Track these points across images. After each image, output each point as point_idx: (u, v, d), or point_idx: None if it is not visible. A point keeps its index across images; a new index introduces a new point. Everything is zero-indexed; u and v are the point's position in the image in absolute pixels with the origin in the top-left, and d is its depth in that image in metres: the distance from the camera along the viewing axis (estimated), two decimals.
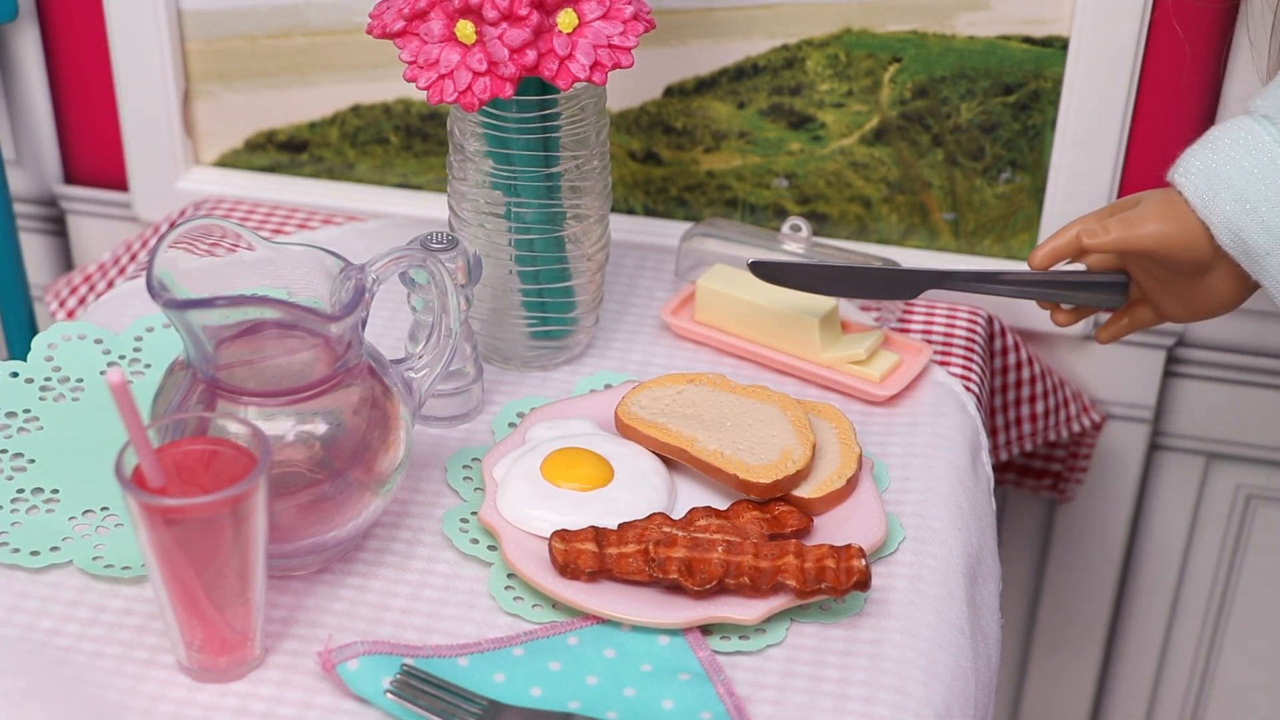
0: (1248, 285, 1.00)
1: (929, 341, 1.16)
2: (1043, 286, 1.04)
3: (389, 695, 0.84)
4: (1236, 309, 1.02)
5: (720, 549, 0.91)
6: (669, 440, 0.99)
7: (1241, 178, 0.95)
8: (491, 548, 0.95)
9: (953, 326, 1.18)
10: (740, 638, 0.90)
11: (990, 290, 1.05)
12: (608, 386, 1.08)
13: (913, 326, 1.18)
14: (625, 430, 1.00)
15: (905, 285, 1.07)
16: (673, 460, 1.00)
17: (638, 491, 0.96)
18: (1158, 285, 1.03)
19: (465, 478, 1.00)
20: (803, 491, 0.96)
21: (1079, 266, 1.08)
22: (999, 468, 1.34)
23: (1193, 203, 0.96)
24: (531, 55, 0.97)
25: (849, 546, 0.90)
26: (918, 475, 1.02)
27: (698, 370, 1.11)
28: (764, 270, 1.06)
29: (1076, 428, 1.30)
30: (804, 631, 0.91)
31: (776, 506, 0.95)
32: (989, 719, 0.94)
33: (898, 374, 1.10)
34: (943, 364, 1.14)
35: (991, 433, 1.28)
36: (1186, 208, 0.97)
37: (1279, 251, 0.95)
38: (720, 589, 0.90)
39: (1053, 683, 1.49)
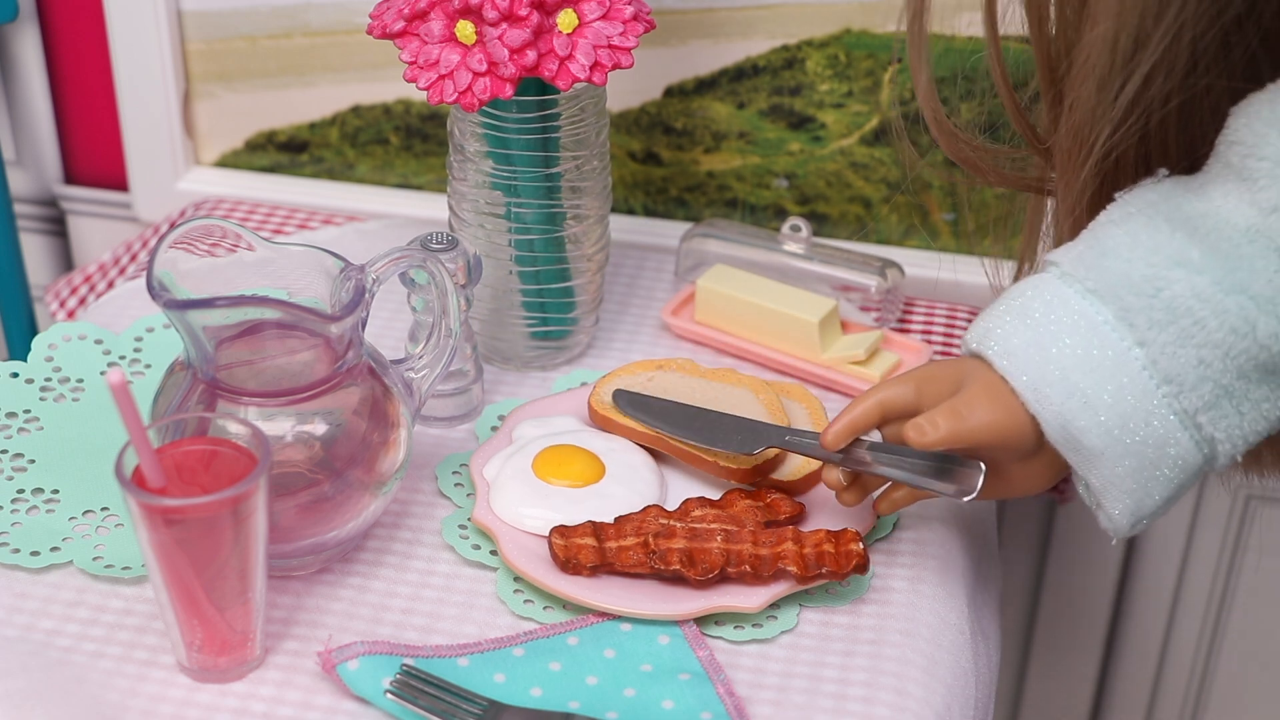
0: (1060, 473, 0.90)
1: (929, 342, 1.16)
2: (902, 468, 0.90)
3: (389, 695, 0.84)
4: None
5: (719, 538, 0.91)
6: (646, 429, 0.99)
7: (1076, 369, 0.84)
8: (494, 552, 0.95)
9: (952, 326, 1.18)
10: (754, 625, 0.90)
11: (844, 463, 0.92)
12: (584, 384, 1.08)
13: (913, 327, 1.18)
14: (600, 420, 1.01)
15: (749, 437, 0.97)
16: (657, 451, 1.00)
17: (630, 486, 0.96)
18: None
19: (457, 484, 1.00)
20: (780, 474, 0.97)
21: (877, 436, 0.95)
22: None
23: (1021, 394, 0.85)
24: (531, 55, 0.97)
25: (845, 531, 0.91)
26: None
27: None
28: (626, 401, 1.01)
29: None
30: (804, 631, 0.91)
31: (769, 494, 0.96)
32: (989, 719, 0.94)
33: (897, 374, 1.10)
34: None
35: None
36: (1013, 397, 0.86)
37: (1113, 450, 0.84)
38: (722, 578, 0.90)
39: (1053, 683, 1.49)
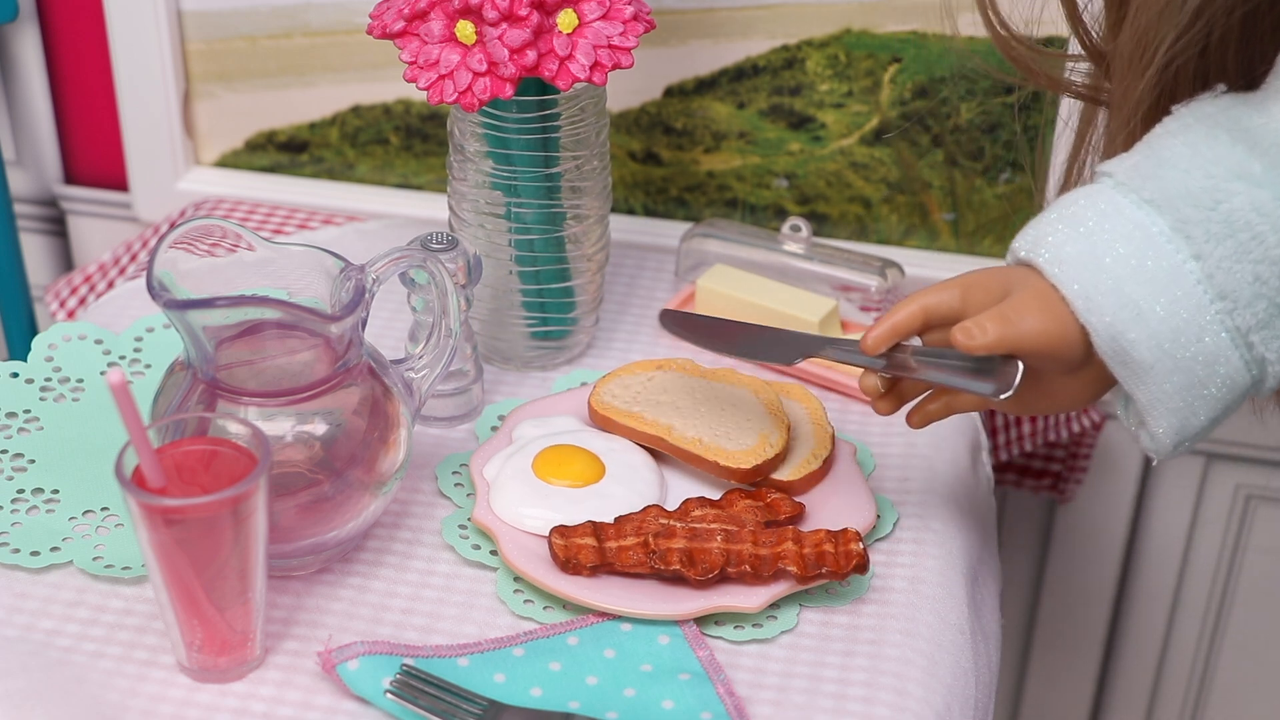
0: (1104, 390, 0.88)
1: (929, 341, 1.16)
2: (942, 370, 0.88)
3: (389, 695, 0.84)
4: None
5: (719, 538, 0.91)
6: (645, 429, 0.99)
7: (1129, 279, 0.82)
8: (494, 552, 0.95)
9: None
10: (754, 625, 0.90)
11: (884, 369, 0.90)
12: (584, 384, 1.08)
13: None
14: (599, 419, 1.01)
15: (789, 348, 0.94)
16: (657, 451, 1.00)
17: (630, 486, 0.96)
18: None
19: (457, 484, 1.00)
20: (780, 474, 0.97)
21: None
22: (999, 468, 1.34)
23: (1073, 303, 0.83)
24: (531, 55, 0.97)
25: (845, 531, 0.91)
26: (918, 475, 1.02)
27: None
28: (670, 320, 0.99)
29: (1076, 428, 1.30)
30: (804, 631, 0.91)
31: (769, 494, 0.96)
32: (989, 719, 0.94)
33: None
34: None
35: (991, 433, 1.28)
36: (1064, 305, 0.83)
37: (1162, 365, 0.82)
38: (722, 578, 0.90)
39: (1053, 683, 1.49)
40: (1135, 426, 0.86)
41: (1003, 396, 0.86)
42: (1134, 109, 0.88)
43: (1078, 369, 0.86)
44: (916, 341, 0.91)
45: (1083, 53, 0.95)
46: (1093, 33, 0.93)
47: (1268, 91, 0.84)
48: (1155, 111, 0.87)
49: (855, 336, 0.91)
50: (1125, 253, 0.82)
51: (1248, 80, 0.87)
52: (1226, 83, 0.86)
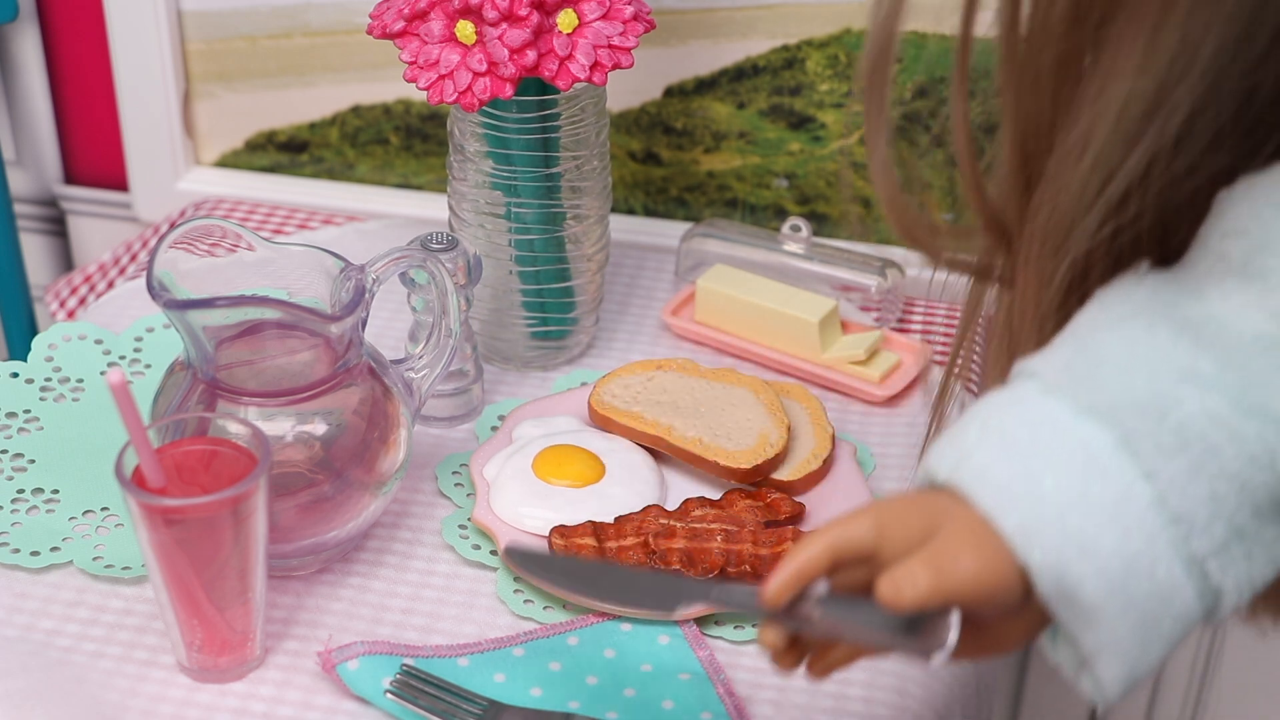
0: (1038, 634, 0.73)
1: (929, 342, 1.16)
2: (858, 623, 0.72)
3: (389, 695, 0.84)
4: None
5: (719, 538, 0.91)
6: (645, 429, 0.99)
7: (1074, 506, 0.69)
8: (494, 552, 0.95)
9: (952, 327, 1.18)
10: (754, 626, 0.90)
11: (785, 621, 0.73)
12: (584, 384, 1.08)
13: (913, 327, 1.18)
14: (599, 419, 1.01)
15: (667, 595, 0.77)
16: (655, 450, 1.00)
17: (630, 486, 0.96)
18: None
19: (457, 484, 1.00)
20: (780, 474, 0.97)
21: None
22: None
23: (1011, 539, 0.69)
24: (531, 55, 0.97)
25: None
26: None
27: None
28: (518, 559, 0.81)
29: None
30: None
31: (769, 494, 0.96)
32: (989, 719, 0.94)
33: (898, 374, 1.10)
34: (943, 364, 1.14)
35: None
36: (1000, 540, 0.69)
37: (1113, 605, 0.69)
38: (722, 578, 0.90)
39: (1053, 683, 1.49)
40: (1074, 670, 0.72)
41: (936, 661, 0.71)
42: (1044, 293, 0.77)
43: (1014, 614, 0.72)
44: (822, 587, 0.74)
45: (982, 228, 0.82)
46: (996, 210, 0.81)
47: (1196, 272, 0.73)
48: (1070, 292, 0.76)
49: (749, 587, 0.75)
50: (1067, 475, 0.69)
51: (1163, 252, 0.76)
52: (1140, 254, 0.75)
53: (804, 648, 0.75)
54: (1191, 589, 0.70)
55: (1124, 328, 0.72)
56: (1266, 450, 0.69)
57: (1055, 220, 0.75)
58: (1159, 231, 0.75)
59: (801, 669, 0.75)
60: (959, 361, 0.87)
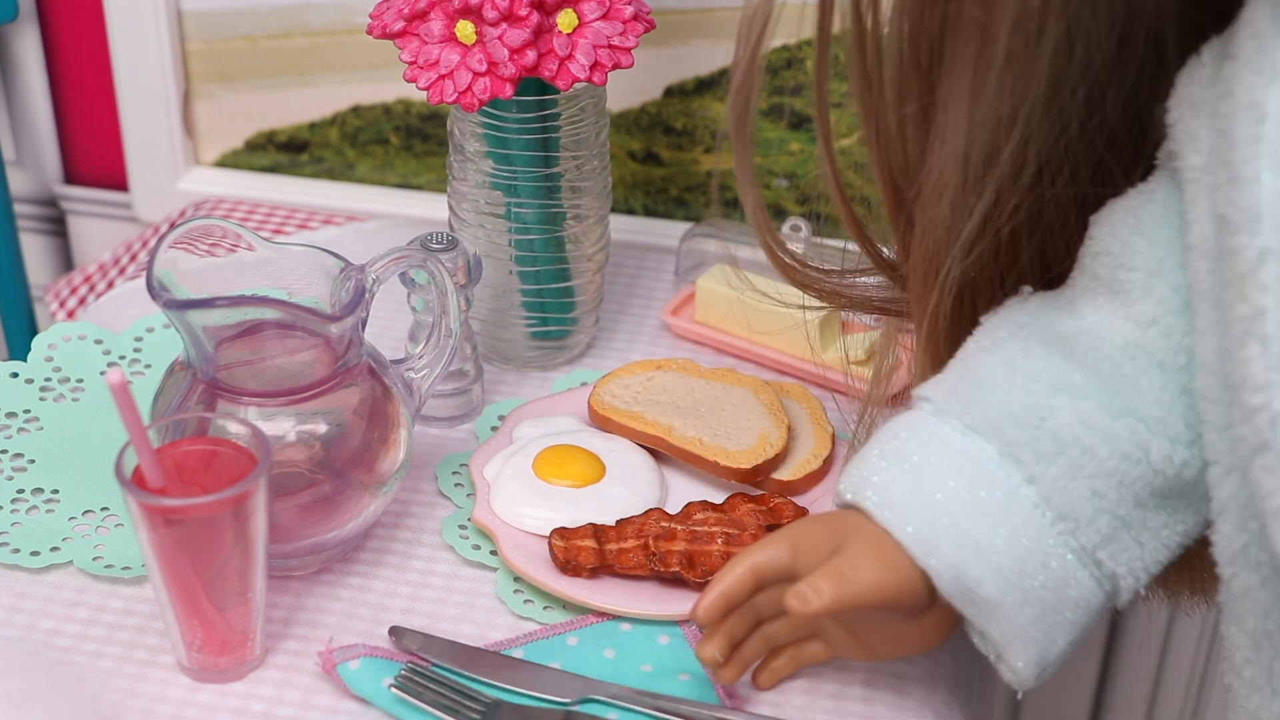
0: (957, 625, 0.82)
1: None
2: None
3: (393, 689, 0.84)
4: None
5: (720, 541, 0.91)
6: (646, 429, 0.99)
7: (964, 514, 0.77)
8: (494, 552, 0.95)
9: None
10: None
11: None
12: (584, 384, 1.08)
13: (912, 326, 1.18)
14: (599, 419, 1.01)
15: (560, 687, 0.86)
16: (656, 450, 1.00)
17: (631, 486, 0.96)
18: (839, 627, 0.85)
19: (457, 484, 1.00)
20: (780, 474, 0.97)
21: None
22: None
23: (908, 547, 0.77)
24: (531, 55, 0.97)
25: None
26: None
27: None
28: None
29: None
30: None
31: (772, 498, 0.96)
32: (989, 719, 0.94)
33: (898, 374, 1.10)
34: None
35: None
36: (899, 550, 0.77)
37: (1011, 599, 0.77)
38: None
39: (1053, 683, 1.49)
40: (995, 660, 0.80)
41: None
42: (933, 323, 0.84)
43: (924, 612, 0.80)
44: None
45: (873, 267, 0.90)
46: (883, 250, 0.89)
47: (1074, 291, 0.81)
48: (958, 322, 0.83)
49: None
50: (956, 486, 0.77)
51: (1046, 278, 0.83)
52: (1025, 283, 0.83)
53: (744, 662, 0.85)
54: (1088, 577, 0.78)
55: (1002, 349, 0.79)
56: (1139, 446, 0.77)
57: (927, 257, 0.82)
58: (1039, 259, 0.82)
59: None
60: (881, 391, 0.93)
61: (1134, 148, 0.81)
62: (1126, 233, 0.78)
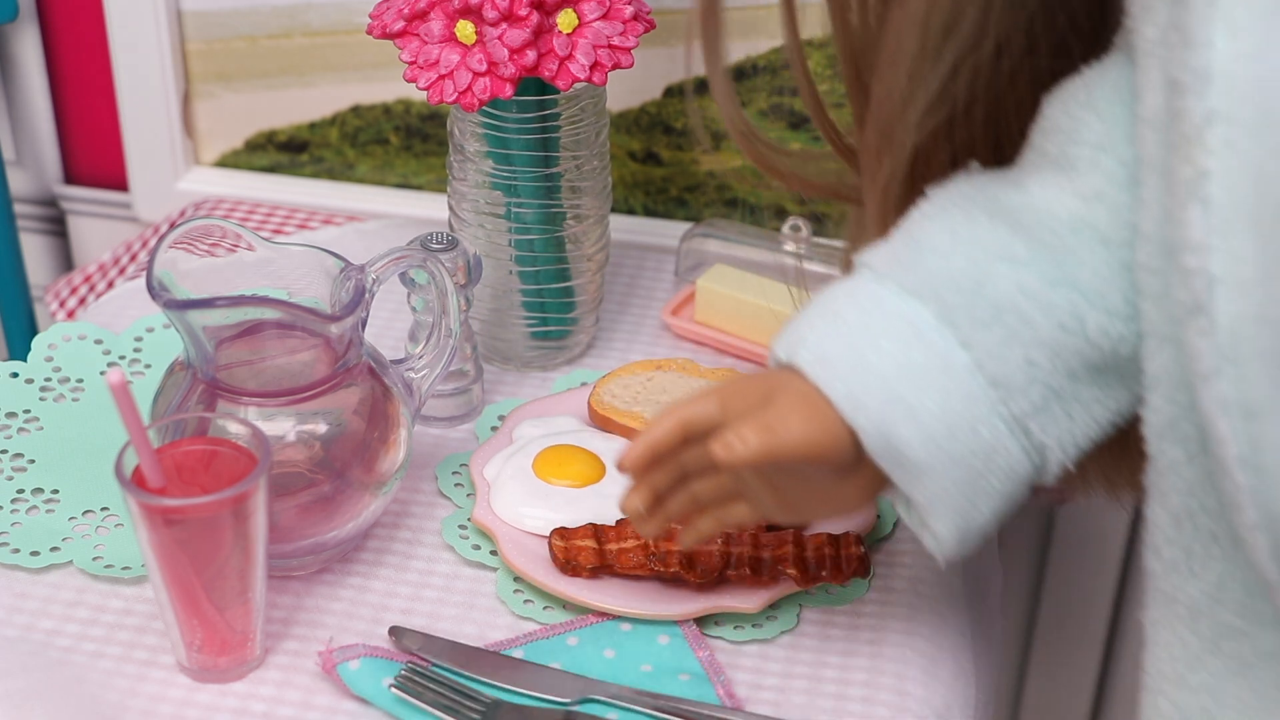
0: (882, 489, 0.82)
1: None
2: None
3: (393, 689, 0.84)
4: None
5: (719, 540, 0.91)
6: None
7: (896, 374, 0.77)
8: (494, 552, 0.95)
9: None
10: (754, 625, 0.90)
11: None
12: (584, 384, 1.08)
13: None
14: (599, 420, 1.01)
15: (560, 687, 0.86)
16: None
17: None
18: (766, 487, 0.83)
19: (457, 484, 1.00)
20: None
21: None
22: None
23: (838, 404, 0.77)
24: (531, 55, 0.97)
25: (846, 534, 0.91)
26: None
27: None
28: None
29: None
30: (804, 631, 0.91)
31: None
32: (989, 719, 0.95)
33: None
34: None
35: None
36: (829, 407, 0.77)
37: (938, 462, 0.77)
38: (721, 580, 0.90)
39: (1053, 683, 1.49)
40: (918, 528, 0.81)
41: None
42: (884, 198, 0.84)
43: (850, 472, 0.80)
44: None
45: (832, 153, 0.90)
46: (839, 130, 0.89)
47: (1023, 168, 0.81)
48: (909, 200, 0.83)
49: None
50: (890, 347, 0.77)
51: (999, 159, 0.83)
52: (979, 161, 0.83)
53: (667, 517, 0.84)
54: (1016, 446, 0.78)
55: (945, 217, 0.80)
56: (1075, 317, 0.77)
57: (880, 128, 0.82)
58: (992, 138, 0.83)
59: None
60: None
61: (1094, 28, 0.81)
62: (1077, 108, 0.78)
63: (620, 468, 0.81)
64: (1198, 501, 0.74)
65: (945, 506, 0.79)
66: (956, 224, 0.79)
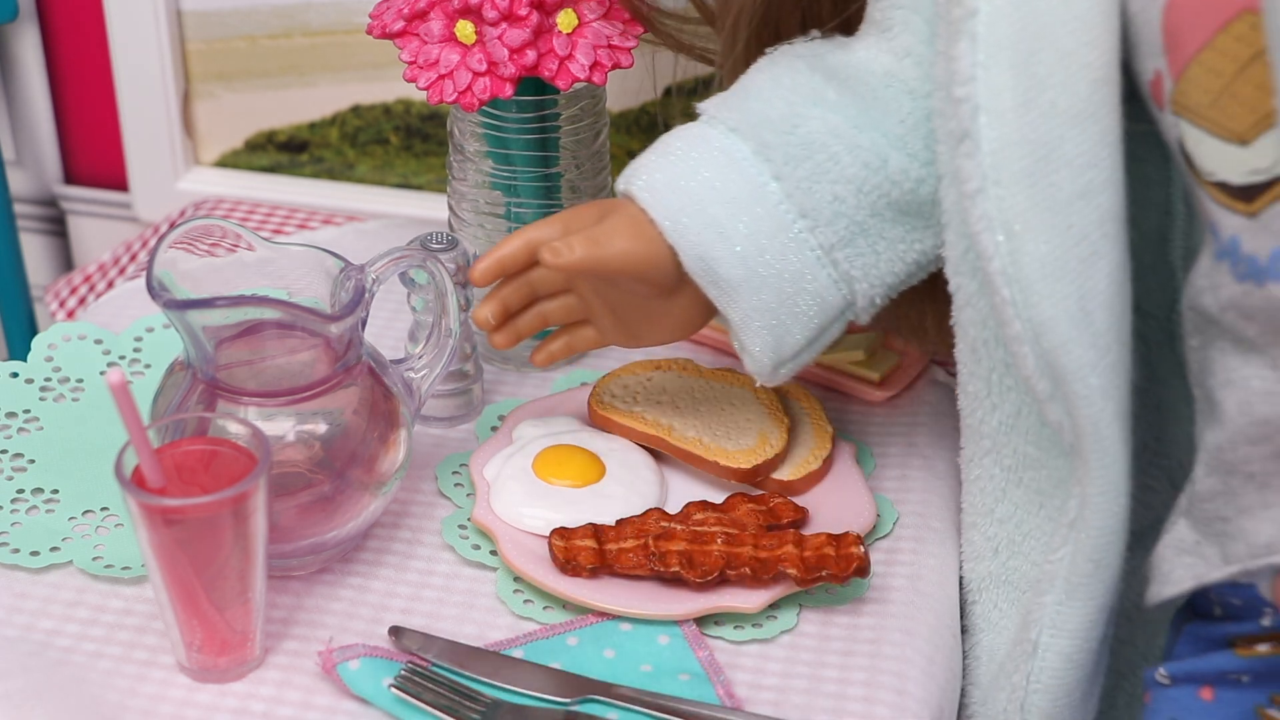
0: (707, 314, 0.93)
1: None
2: None
3: (392, 689, 0.84)
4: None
5: (719, 541, 0.91)
6: (645, 429, 0.99)
7: (713, 200, 0.87)
8: (494, 552, 0.95)
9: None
10: (754, 625, 0.90)
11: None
12: (584, 384, 1.08)
13: None
14: (599, 420, 1.01)
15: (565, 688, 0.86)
16: (657, 451, 1.00)
17: (631, 486, 0.96)
18: (606, 308, 0.94)
19: (457, 484, 1.00)
20: (780, 474, 0.97)
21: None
22: None
23: (660, 224, 0.88)
24: (531, 55, 0.97)
25: (847, 534, 0.91)
26: (917, 475, 1.02)
27: None
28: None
29: None
30: (804, 631, 0.91)
31: (772, 498, 0.95)
32: None
33: (898, 374, 1.10)
34: (942, 364, 1.14)
35: None
36: (654, 228, 0.88)
37: (750, 283, 0.88)
38: (721, 580, 0.90)
39: None
40: (740, 351, 0.91)
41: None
42: (736, 62, 0.94)
43: (673, 293, 0.91)
44: None
45: (700, 18, 1.01)
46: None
47: (855, 37, 0.90)
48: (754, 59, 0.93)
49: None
50: (710, 176, 0.87)
51: (845, 30, 0.92)
52: (825, 31, 0.92)
53: (518, 332, 0.94)
54: (824, 275, 0.88)
55: (773, 69, 0.90)
56: (878, 157, 0.87)
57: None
58: (839, 11, 0.93)
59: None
60: None
61: None
62: None
63: (470, 279, 0.92)
64: (990, 332, 0.83)
65: (758, 325, 0.89)
66: (780, 74, 0.89)
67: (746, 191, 0.87)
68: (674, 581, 0.91)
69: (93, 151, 1.37)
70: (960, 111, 0.78)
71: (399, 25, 0.99)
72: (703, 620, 0.90)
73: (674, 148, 0.90)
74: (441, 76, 0.99)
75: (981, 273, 0.80)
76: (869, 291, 0.89)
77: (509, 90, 0.98)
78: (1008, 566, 0.88)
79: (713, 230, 0.87)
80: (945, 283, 0.86)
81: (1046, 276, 0.77)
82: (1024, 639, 0.86)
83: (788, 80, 0.89)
